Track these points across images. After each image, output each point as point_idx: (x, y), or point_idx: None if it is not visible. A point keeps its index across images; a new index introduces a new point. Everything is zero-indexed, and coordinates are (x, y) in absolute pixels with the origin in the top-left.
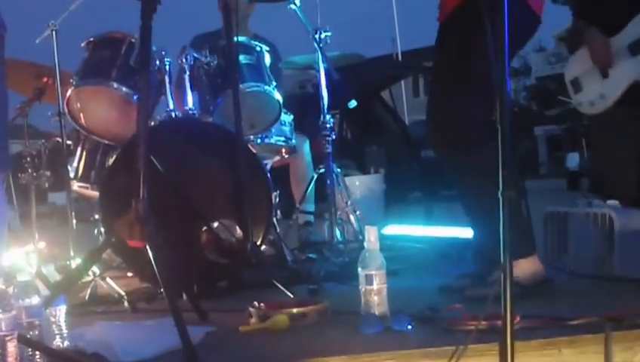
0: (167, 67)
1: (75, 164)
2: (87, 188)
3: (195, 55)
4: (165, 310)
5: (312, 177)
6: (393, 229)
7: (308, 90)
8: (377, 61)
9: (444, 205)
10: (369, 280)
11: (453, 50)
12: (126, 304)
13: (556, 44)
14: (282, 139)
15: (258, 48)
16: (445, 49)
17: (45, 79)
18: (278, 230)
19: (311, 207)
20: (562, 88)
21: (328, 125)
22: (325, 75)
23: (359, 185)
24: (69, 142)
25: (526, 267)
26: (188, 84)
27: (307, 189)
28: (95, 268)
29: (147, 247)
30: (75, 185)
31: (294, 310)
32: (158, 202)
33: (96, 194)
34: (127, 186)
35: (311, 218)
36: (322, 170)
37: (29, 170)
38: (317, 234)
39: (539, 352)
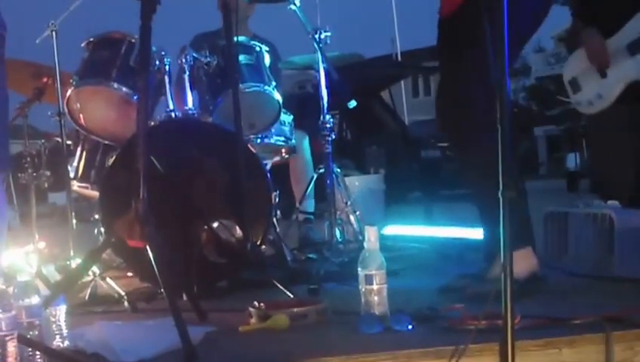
0: (167, 67)
1: (74, 164)
2: (87, 188)
3: (195, 55)
4: (165, 310)
5: (312, 177)
6: (393, 229)
7: (307, 90)
8: (377, 61)
9: (443, 205)
10: (369, 280)
11: (467, 42)
12: (126, 304)
13: (555, 45)
14: (282, 139)
15: (258, 48)
16: (456, 42)
17: (45, 79)
18: (277, 230)
19: (311, 207)
20: (561, 88)
21: (328, 125)
22: (325, 75)
23: (359, 185)
24: (68, 142)
25: (520, 259)
26: (187, 84)
27: (307, 189)
28: (95, 268)
29: (147, 247)
30: (75, 185)
31: (294, 310)
32: (157, 202)
33: (96, 194)
34: (127, 186)
35: (311, 218)
36: (322, 170)
37: (29, 170)
38: (317, 234)
39: (539, 352)
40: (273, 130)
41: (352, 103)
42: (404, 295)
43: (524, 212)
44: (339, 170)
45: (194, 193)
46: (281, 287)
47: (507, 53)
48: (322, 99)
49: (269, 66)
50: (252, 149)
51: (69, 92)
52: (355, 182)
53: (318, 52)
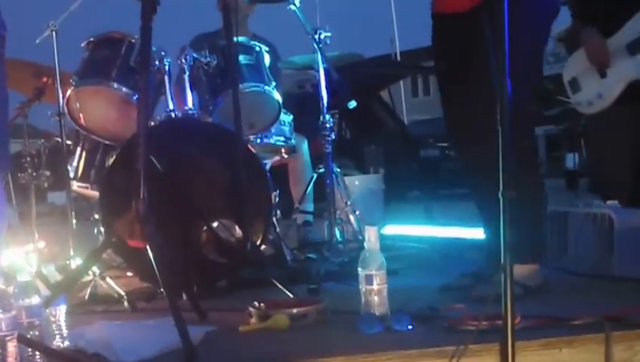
0: (167, 67)
1: (74, 164)
2: (86, 187)
3: (195, 55)
4: (165, 309)
5: (312, 177)
6: (393, 229)
7: (307, 90)
8: (376, 61)
9: (443, 204)
10: (369, 280)
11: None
12: (126, 303)
13: (555, 45)
14: (282, 139)
15: (257, 48)
16: (474, 39)
17: (45, 79)
18: (277, 229)
19: (310, 207)
20: (561, 88)
21: (328, 125)
22: (325, 75)
23: (358, 184)
24: (68, 141)
25: (530, 270)
26: (187, 84)
27: (306, 189)
28: (95, 268)
29: (147, 247)
30: (75, 185)
31: (294, 310)
32: (157, 202)
33: (95, 193)
34: (127, 186)
35: (310, 218)
36: (321, 170)
37: (29, 170)
38: (316, 233)
39: (539, 352)
40: (273, 130)
41: (352, 103)
42: (404, 294)
43: (540, 221)
44: (338, 169)
45: (194, 193)
46: (281, 287)
47: (507, 53)
48: (322, 99)
49: (269, 66)
50: (252, 149)
51: (68, 92)
52: (355, 182)
53: (318, 52)
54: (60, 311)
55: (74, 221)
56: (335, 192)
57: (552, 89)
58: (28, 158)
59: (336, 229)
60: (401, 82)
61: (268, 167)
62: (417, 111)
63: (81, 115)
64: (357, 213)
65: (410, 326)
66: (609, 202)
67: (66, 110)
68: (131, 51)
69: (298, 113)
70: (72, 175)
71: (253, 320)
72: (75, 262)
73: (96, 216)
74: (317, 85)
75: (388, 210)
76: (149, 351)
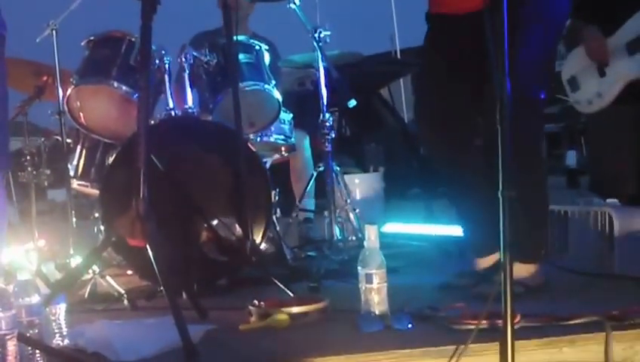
0: (167, 66)
1: (74, 162)
2: (87, 186)
3: (195, 53)
4: (165, 308)
5: (312, 175)
6: (393, 227)
7: (307, 88)
8: (376, 59)
9: (444, 202)
10: (369, 278)
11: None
12: (126, 302)
13: None
14: (282, 137)
15: (257, 47)
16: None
17: (45, 77)
18: (277, 228)
19: (311, 205)
20: (560, 86)
21: (328, 124)
22: (325, 73)
23: (359, 182)
24: (68, 140)
25: (531, 269)
26: (187, 83)
27: (307, 187)
28: (95, 266)
29: (147, 246)
30: (75, 184)
31: (294, 308)
32: (157, 200)
33: (96, 192)
34: (127, 185)
35: (310, 216)
36: (321, 168)
37: (29, 169)
38: (316, 231)
39: (539, 351)
40: (273, 129)
41: (352, 103)
42: (405, 293)
43: (539, 219)
44: (338, 168)
45: (194, 191)
46: (281, 285)
47: (507, 53)
48: (322, 97)
49: (269, 65)
50: (252, 147)
51: (69, 90)
52: (355, 180)
53: (318, 51)
54: (60, 310)
55: (74, 219)
56: (335, 191)
57: (552, 87)
58: (28, 157)
59: (336, 227)
60: (402, 80)
61: (268, 165)
62: None
63: (81, 114)
64: (357, 211)
65: (410, 325)
66: (609, 200)
67: (66, 109)
68: (131, 50)
69: (299, 111)
70: (72, 173)
71: (253, 318)
72: (75, 261)
73: (97, 215)
74: (317, 83)
75: (388, 207)
76: (149, 350)
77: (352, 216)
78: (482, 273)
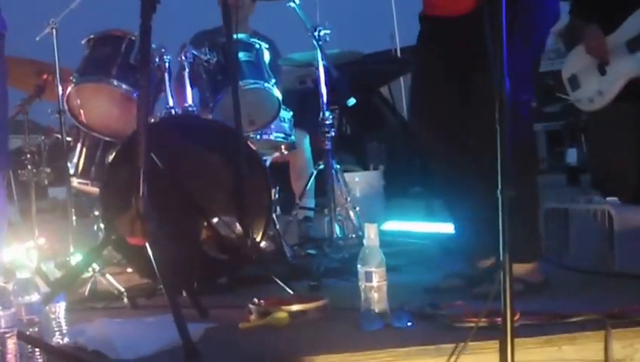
0: (167, 64)
1: (74, 161)
2: (87, 184)
3: (195, 52)
4: (165, 306)
5: (312, 173)
6: (393, 225)
7: (308, 86)
8: (376, 57)
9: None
10: (369, 277)
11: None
12: (126, 300)
13: (555, 40)
14: (282, 135)
15: (257, 45)
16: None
17: (45, 76)
18: (277, 226)
19: (311, 203)
20: (561, 84)
21: (328, 122)
22: (325, 72)
23: (359, 180)
24: (68, 138)
25: (529, 266)
26: (188, 81)
27: (307, 185)
28: (95, 265)
29: (147, 244)
30: (75, 182)
31: (294, 306)
32: (158, 199)
33: (96, 190)
34: (128, 183)
35: (311, 214)
36: (322, 166)
37: (29, 167)
38: (316, 230)
39: (539, 349)
40: (273, 127)
41: (352, 101)
42: (405, 291)
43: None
44: (338, 166)
45: (194, 189)
46: (281, 284)
47: (506, 53)
48: (322, 96)
49: (269, 63)
50: (252, 146)
51: (69, 89)
52: (355, 178)
53: (318, 49)
54: (60, 308)
55: (74, 218)
56: (335, 189)
57: (553, 85)
58: (28, 155)
59: (336, 225)
60: (402, 78)
61: (268, 163)
62: None
63: (81, 112)
64: (357, 209)
65: (409, 323)
66: (609, 198)
67: (66, 107)
68: (132, 49)
69: (299, 109)
70: (72, 171)
71: (253, 316)
72: (75, 259)
73: (97, 213)
74: (317, 81)
75: (388, 206)
76: (149, 348)
77: (352, 214)
78: (472, 275)
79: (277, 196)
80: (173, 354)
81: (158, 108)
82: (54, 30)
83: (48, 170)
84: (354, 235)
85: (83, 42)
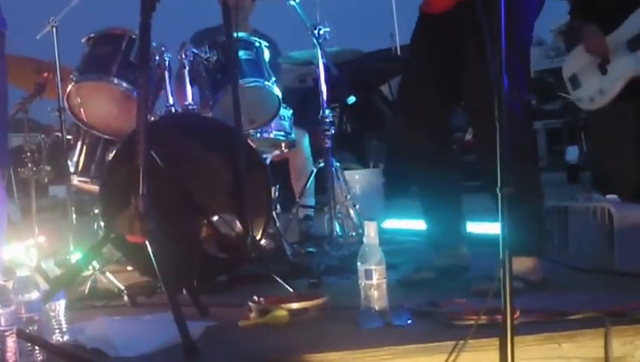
0: (167, 62)
1: (75, 159)
2: (87, 182)
3: (195, 50)
4: (165, 304)
5: (312, 171)
6: (393, 223)
7: (308, 84)
8: (376, 55)
9: None
10: (368, 274)
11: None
12: (126, 298)
13: (555, 38)
14: (282, 133)
15: (257, 44)
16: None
17: (46, 74)
18: (277, 224)
19: (311, 201)
20: (562, 83)
21: (328, 120)
22: (324, 70)
23: (359, 178)
24: (69, 136)
25: (530, 264)
26: (188, 80)
27: (307, 183)
28: (95, 263)
29: (147, 242)
30: (75, 180)
31: (294, 305)
32: (157, 197)
33: (96, 188)
34: (127, 181)
35: (311, 212)
36: (322, 164)
37: (29, 165)
38: (316, 228)
39: (539, 347)
40: (273, 125)
41: (351, 99)
42: (404, 289)
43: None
44: (338, 163)
45: (194, 188)
46: (281, 282)
47: (505, 50)
48: (322, 94)
49: (269, 62)
50: (252, 144)
51: (69, 87)
52: (355, 176)
53: (318, 48)
54: (60, 306)
55: (74, 216)
56: (335, 186)
57: (553, 83)
58: (28, 154)
59: (336, 223)
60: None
61: (268, 161)
62: None
63: (81, 111)
64: (357, 207)
65: (409, 321)
66: (609, 196)
67: (66, 105)
68: (132, 47)
69: (300, 107)
70: (72, 169)
71: (253, 315)
72: (75, 257)
73: (97, 211)
74: (317, 79)
75: (388, 204)
76: (149, 346)
77: (352, 212)
78: (442, 267)
79: (277, 194)
80: (172, 352)
81: (158, 106)
82: (54, 28)
83: (48, 168)
84: (354, 233)
85: (83, 41)
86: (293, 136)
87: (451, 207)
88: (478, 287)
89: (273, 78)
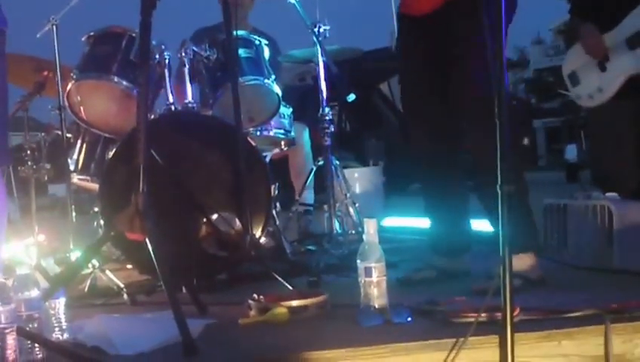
0: (167, 61)
1: (75, 157)
2: (87, 180)
3: (195, 49)
4: (165, 303)
5: (312, 169)
6: (392, 221)
7: (307, 83)
8: (376, 54)
9: None
10: (368, 272)
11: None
12: (125, 296)
13: (554, 37)
14: (281, 131)
15: (257, 42)
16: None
17: (46, 73)
18: (277, 222)
19: (310, 199)
20: (561, 81)
21: (327, 118)
22: (324, 68)
23: (358, 177)
24: (68, 135)
25: (528, 261)
26: (188, 78)
27: (306, 181)
28: (94, 261)
29: (147, 241)
30: (75, 178)
31: (294, 303)
32: (157, 195)
33: (96, 186)
34: (127, 179)
35: (310, 210)
36: (321, 163)
37: (29, 163)
38: (316, 226)
39: (539, 344)
40: (272, 123)
41: (351, 97)
42: (404, 287)
43: (529, 210)
44: (338, 162)
45: (194, 186)
46: (280, 280)
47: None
48: (321, 92)
49: (269, 60)
50: (252, 142)
51: (69, 85)
52: (355, 174)
53: (318, 46)
54: (60, 304)
55: (74, 214)
56: (335, 185)
57: (552, 81)
58: (28, 152)
59: (335, 221)
60: None
61: (268, 159)
62: None
63: (81, 109)
64: (357, 205)
65: (409, 319)
66: (608, 194)
67: (66, 104)
68: (132, 45)
69: (299, 105)
70: (72, 168)
71: (252, 313)
72: (75, 255)
73: (96, 209)
74: (317, 78)
75: (388, 202)
76: (148, 344)
77: (351, 210)
78: (444, 267)
79: (276, 192)
80: (172, 351)
81: (158, 104)
82: (55, 27)
83: (48, 166)
84: (353, 231)
85: (83, 39)
86: (292, 134)
87: (455, 208)
88: (478, 286)
89: (273, 76)
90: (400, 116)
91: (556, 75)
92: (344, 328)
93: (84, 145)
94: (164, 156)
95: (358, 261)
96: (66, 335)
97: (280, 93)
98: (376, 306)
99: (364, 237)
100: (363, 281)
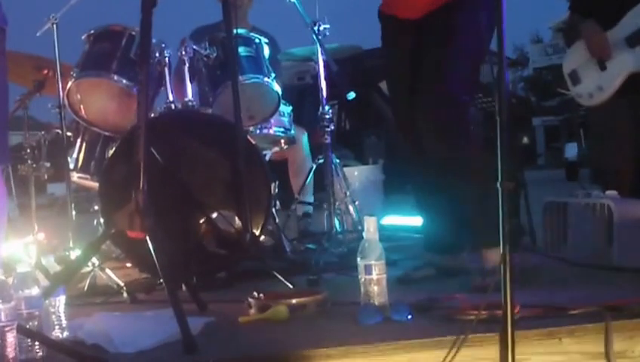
0: (167, 59)
1: (74, 155)
2: (86, 179)
3: (195, 47)
4: (164, 301)
5: (311, 168)
6: (392, 219)
7: (307, 81)
8: (376, 52)
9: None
10: (368, 270)
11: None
12: (125, 295)
13: (553, 35)
14: (281, 129)
15: (257, 40)
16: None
17: (46, 71)
18: (277, 220)
19: (310, 198)
20: (561, 79)
21: (327, 117)
22: (324, 66)
23: (358, 175)
24: (68, 133)
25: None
26: (187, 76)
27: (306, 180)
28: (94, 259)
29: (147, 238)
30: (75, 176)
31: (294, 301)
32: (157, 193)
33: (95, 185)
34: (127, 177)
35: (310, 208)
36: (321, 161)
37: (29, 162)
38: (316, 224)
39: (539, 342)
40: (272, 121)
41: (351, 95)
42: (404, 285)
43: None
44: (338, 160)
45: (193, 184)
46: (280, 278)
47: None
48: (321, 90)
49: (269, 58)
50: (251, 140)
51: (69, 84)
52: (354, 173)
53: (317, 44)
54: (59, 302)
55: (74, 212)
56: (334, 183)
57: (551, 80)
58: (28, 150)
59: (335, 220)
60: None
61: (267, 157)
62: None
63: (81, 107)
64: (356, 203)
65: (409, 316)
66: (608, 192)
67: (66, 102)
68: (132, 44)
69: (298, 104)
70: (72, 166)
71: (252, 311)
72: (75, 254)
73: (96, 208)
74: (317, 77)
75: (387, 200)
76: (148, 343)
77: (351, 208)
78: (444, 265)
79: (276, 190)
80: (172, 348)
81: (158, 102)
82: (55, 25)
83: (48, 164)
84: (353, 229)
85: (83, 37)
86: (292, 132)
87: (446, 205)
88: (477, 283)
89: (273, 75)
90: None
91: (555, 74)
92: (344, 326)
93: (84, 144)
94: (164, 154)
95: (359, 259)
96: (65, 333)
97: (280, 92)
98: (377, 304)
99: (364, 234)
100: (363, 279)
